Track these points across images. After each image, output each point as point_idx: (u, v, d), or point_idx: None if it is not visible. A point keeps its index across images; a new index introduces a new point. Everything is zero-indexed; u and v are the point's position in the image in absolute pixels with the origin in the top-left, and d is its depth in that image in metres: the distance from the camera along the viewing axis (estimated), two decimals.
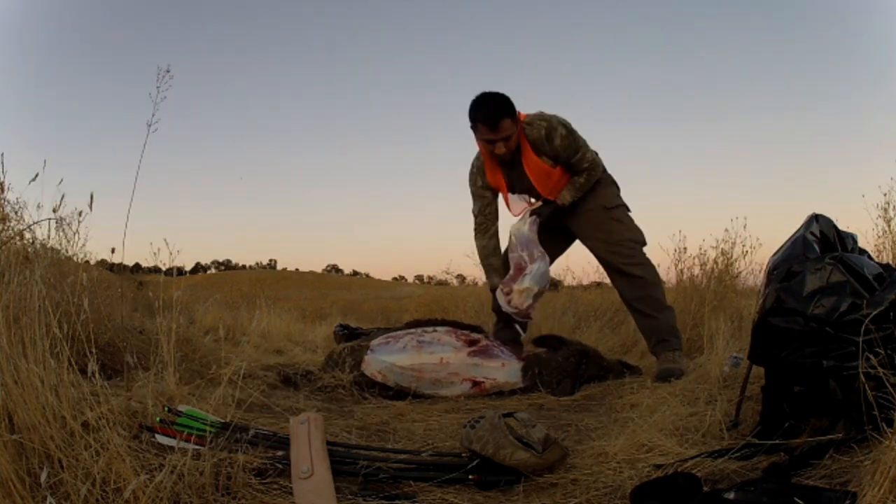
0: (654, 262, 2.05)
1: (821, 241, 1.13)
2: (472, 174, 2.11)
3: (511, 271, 1.96)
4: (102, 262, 2.64)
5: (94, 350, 0.97)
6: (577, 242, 2.16)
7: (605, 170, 2.04)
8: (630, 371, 1.94)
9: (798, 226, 1.19)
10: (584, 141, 1.95)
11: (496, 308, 2.02)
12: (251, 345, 2.77)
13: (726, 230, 2.43)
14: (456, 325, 2.03)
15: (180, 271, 1.50)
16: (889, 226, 2.29)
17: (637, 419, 1.31)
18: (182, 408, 1.19)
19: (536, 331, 2.44)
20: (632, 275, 1.99)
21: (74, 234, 1.88)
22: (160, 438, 1.03)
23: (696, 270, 2.53)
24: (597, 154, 2.00)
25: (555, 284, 4.26)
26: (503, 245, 2.13)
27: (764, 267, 1.21)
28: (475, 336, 1.94)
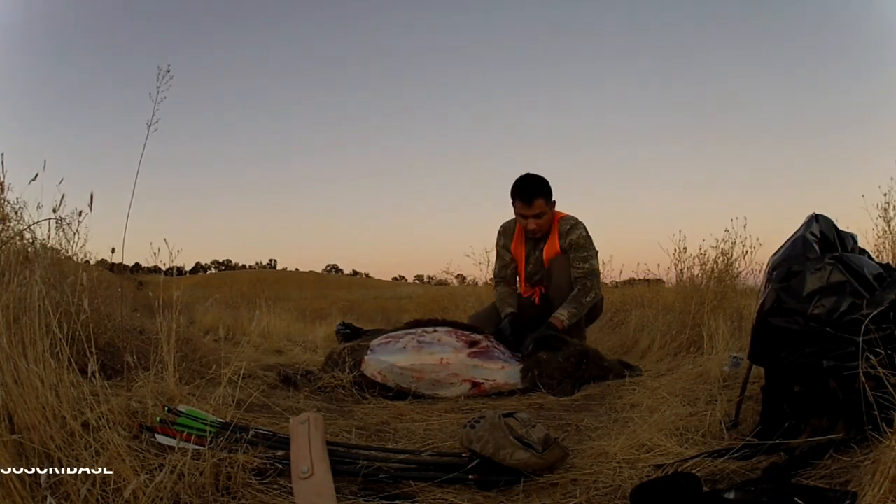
0: (655, 262, 2.12)
1: (821, 241, 1.13)
2: (499, 233, 2.43)
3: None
4: (102, 262, 2.64)
5: (94, 350, 0.97)
6: None
7: (599, 289, 2.26)
8: (630, 371, 1.94)
9: (798, 226, 1.19)
10: (596, 253, 2.26)
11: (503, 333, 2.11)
12: (251, 345, 2.77)
13: (726, 230, 2.42)
14: (456, 325, 2.03)
15: (180, 271, 1.50)
16: (889, 226, 2.29)
17: (637, 419, 1.31)
18: (182, 408, 1.19)
19: None
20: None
21: (74, 234, 1.88)
22: (160, 438, 1.03)
23: (696, 270, 2.53)
24: (599, 274, 2.27)
25: None
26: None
27: (764, 267, 1.21)
28: (475, 337, 1.94)
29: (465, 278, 5.79)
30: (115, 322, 1.75)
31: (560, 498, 0.95)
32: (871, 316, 0.95)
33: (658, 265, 2.99)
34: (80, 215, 1.76)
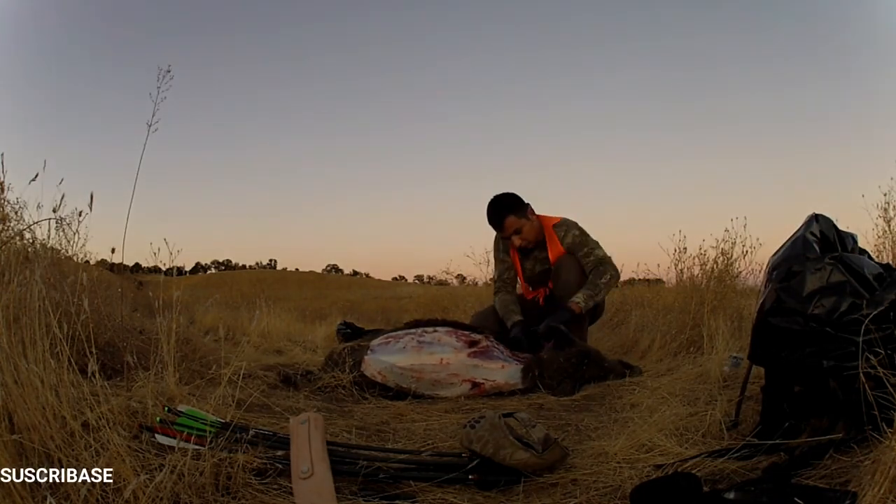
0: (655, 262, 2.13)
1: (821, 241, 1.13)
2: (495, 239, 2.46)
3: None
4: (102, 262, 2.65)
5: (94, 350, 0.97)
6: None
7: (615, 269, 2.28)
8: (630, 371, 1.94)
9: (798, 226, 1.19)
10: (597, 243, 2.29)
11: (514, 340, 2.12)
12: (251, 345, 2.77)
13: (726, 230, 2.42)
14: (456, 325, 2.03)
15: (180, 271, 1.50)
16: (889, 226, 2.29)
17: (637, 419, 1.31)
18: (182, 408, 1.19)
19: None
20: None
21: (74, 234, 1.88)
22: (160, 438, 1.03)
23: (696, 270, 2.53)
24: (609, 259, 2.28)
25: None
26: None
27: (764, 267, 1.21)
28: (475, 337, 1.94)
29: (465, 278, 5.79)
30: (115, 322, 1.75)
31: (560, 498, 0.95)
32: (871, 316, 0.95)
33: (658, 265, 3.00)
34: (80, 215, 1.76)
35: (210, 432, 1.04)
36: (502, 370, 1.82)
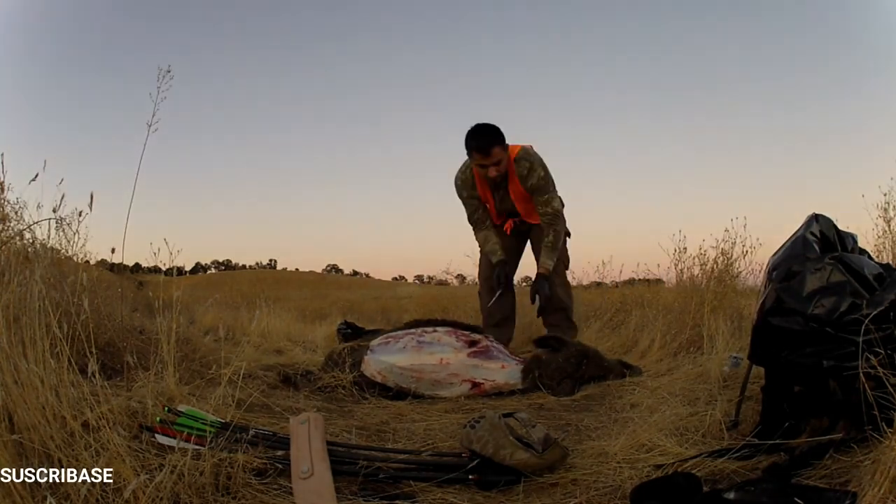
0: (655, 262, 2.15)
1: (821, 241, 1.13)
2: (457, 187, 2.45)
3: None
4: (102, 262, 2.65)
5: (94, 350, 0.97)
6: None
7: (564, 225, 2.45)
8: (630, 371, 1.94)
9: (798, 226, 1.19)
10: (555, 188, 2.35)
11: (488, 308, 2.37)
12: (251, 345, 2.76)
13: (726, 230, 2.42)
14: (456, 325, 2.03)
15: (180, 271, 1.50)
16: (889, 226, 2.28)
17: (637, 419, 1.31)
18: (182, 408, 1.19)
19: (537, 332, 2.45)
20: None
21: (74, 234, 1.88)
22: (160, 438, 1.03)
23: (696, 270, 2.53)
24: (562, 204, 2.41)
25: None
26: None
27: (764, 267, 1.21)
28: (475, 336, 1.94)
29: (465, 278, 5.79)
30: (115, 322, 1.75)
31: (560, 498, 0.95)
32: (871, 316, 0.95)
33: (658, 265, 3.00)
34: (80, 215, 1.77)
35: (210, 432, 1.04)
36: (502, 370, 1.82)
